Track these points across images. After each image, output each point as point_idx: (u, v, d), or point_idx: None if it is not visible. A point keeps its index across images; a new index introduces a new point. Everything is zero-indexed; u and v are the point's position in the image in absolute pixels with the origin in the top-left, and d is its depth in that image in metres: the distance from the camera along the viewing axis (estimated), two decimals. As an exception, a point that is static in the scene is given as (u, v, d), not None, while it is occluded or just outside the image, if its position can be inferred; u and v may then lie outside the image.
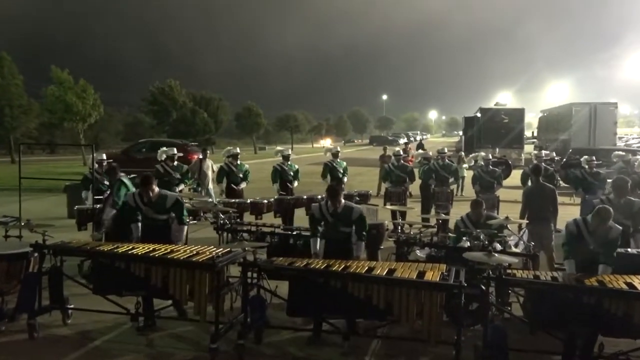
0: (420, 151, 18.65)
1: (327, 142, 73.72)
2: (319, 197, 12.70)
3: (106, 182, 11.17)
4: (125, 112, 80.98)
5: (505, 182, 15.26)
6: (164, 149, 13.97)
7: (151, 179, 7.88)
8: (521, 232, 9.62)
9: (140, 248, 6.87)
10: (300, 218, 12.61)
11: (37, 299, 6.88)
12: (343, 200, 7.46)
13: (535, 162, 13.67)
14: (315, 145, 79.75)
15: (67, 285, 7.30)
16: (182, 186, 13.21)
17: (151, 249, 6.82)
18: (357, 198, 12.32)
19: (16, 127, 39.89)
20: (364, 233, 7.36)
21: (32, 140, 46.21)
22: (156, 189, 7.75)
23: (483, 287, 6.14)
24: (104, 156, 11.90)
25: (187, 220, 7.91)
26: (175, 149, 13.80)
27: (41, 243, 7.03)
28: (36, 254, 7.13)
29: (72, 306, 7.24)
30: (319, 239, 7.44)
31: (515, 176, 19.96)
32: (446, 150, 14.84)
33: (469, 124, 38.13)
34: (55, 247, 7.11)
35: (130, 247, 6.91)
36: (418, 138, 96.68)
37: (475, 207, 8.34)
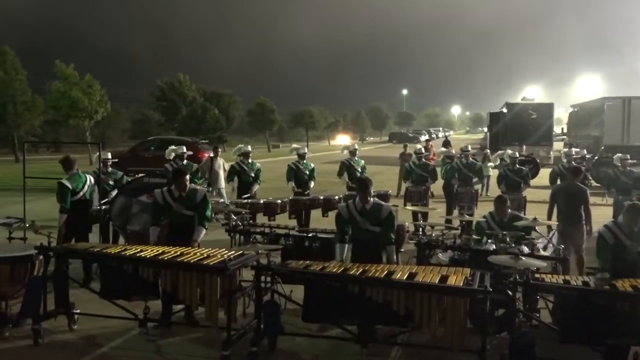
0: (443, 149, 18.58)
1: (345, 139, 73.65)
2: (336, 197, 12.71)
3: (111, 182, 11.25)
4: (132, 109, 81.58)
5: (533, 182, 15.20)
6: (173, 147, 14.08)
7: (184, 171, 7.95)
8: (550, 234, 9.56)
9: (149, 250, 6.92)
10: (316, 219, 12.63)
11: (42, 304, 6.94)
12: (371, 199, 7.36)
13: (564, 160, 13.58)
14: (332, 142, 79.81)
15: (73, 290, 7.38)
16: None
17: (160, 251, 6.87)
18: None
19: (20, 125, 40.27)
20: (392, 235, 7.29)
21: (36, 139, 46.67)
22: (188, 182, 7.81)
23: (509, 293, 6.12)
24: (109, 155, 11.98)
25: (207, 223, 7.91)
26: (184, 147, 13.91)
27: (46, 245, 7.10)
28: (41, 257, 7.18)
29: (78, 311, 7.30)
30: (346, 245, 7.31)
31: (544, 175, 19.84)
32: (470, 148, 14.77)
33: (494, 120, 37.96)
34: (60, 249, 7.19)
35: (139, 250, 6.96)
36: (440, 135, 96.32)
37: (499, 204, 8.30)
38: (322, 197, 12.77)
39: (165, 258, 6.61)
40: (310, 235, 8.78)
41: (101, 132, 58.96)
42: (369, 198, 7.28)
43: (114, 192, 10.67)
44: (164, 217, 7.89)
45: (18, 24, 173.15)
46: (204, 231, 7.80)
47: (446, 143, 28.43)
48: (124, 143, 58.09)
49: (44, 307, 6.95)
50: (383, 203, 7.47)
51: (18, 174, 18.62)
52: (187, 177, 7.87)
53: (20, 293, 7.13)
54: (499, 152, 17.26)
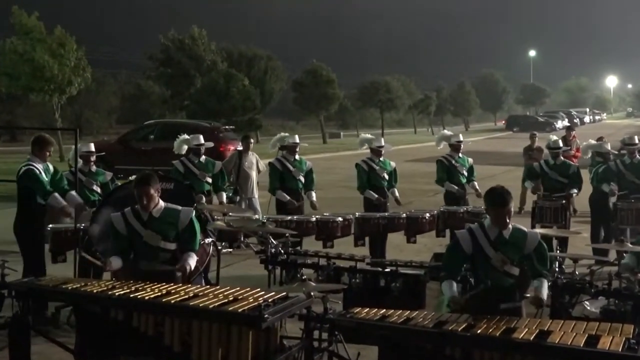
0: (593, 142, 18.28)
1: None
2: (427, 214, 12.58)
3: (95, 187, 11.45)
4: (123, 79, 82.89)
5: None
6: (185, 136, 14.24)
7: (149, 178, 7.89)
8: None
9: (149, 290, 7.02)
10: (395, 246, 12.56)
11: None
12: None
13: None
14: (421, 128, 79.48)
15: (37, 344, 7.53)
16: (224, 195, 13.51)
17: (165, 291, 6.96)
18: (486, 215, 12.21)
19: (-41, 102, 41.19)
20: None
21: (-17, 122, 47.82)
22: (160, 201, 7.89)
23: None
24: (92, 147, 12.17)
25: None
26: (201, 137, 14.02)
27: (-1, 280, 7.27)
28: (-9, 296, 7.36)
29: (44, 377, 7.47)
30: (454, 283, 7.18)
31: None
32: (637, 139, 14.50)
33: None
34: (20, 286, 7.33)
35: (133, 288, 7.06)
36: (587, 119, 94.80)
37: None
38: (404, 215, 12.66)
39: (172, 301, 6.69)
40: (387, 270, 8.79)
41: (77, 112, 60.10)
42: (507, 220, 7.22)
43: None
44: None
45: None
46: (195, 257, 7.92)
47: None
48: (111, 129, 59.14)
49: (-6, 370, 7.14)
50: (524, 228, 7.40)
51: (-42, 175, 19.06)
52: (154, 188, 7.76)
53: (-38, 348, 7.33)
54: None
